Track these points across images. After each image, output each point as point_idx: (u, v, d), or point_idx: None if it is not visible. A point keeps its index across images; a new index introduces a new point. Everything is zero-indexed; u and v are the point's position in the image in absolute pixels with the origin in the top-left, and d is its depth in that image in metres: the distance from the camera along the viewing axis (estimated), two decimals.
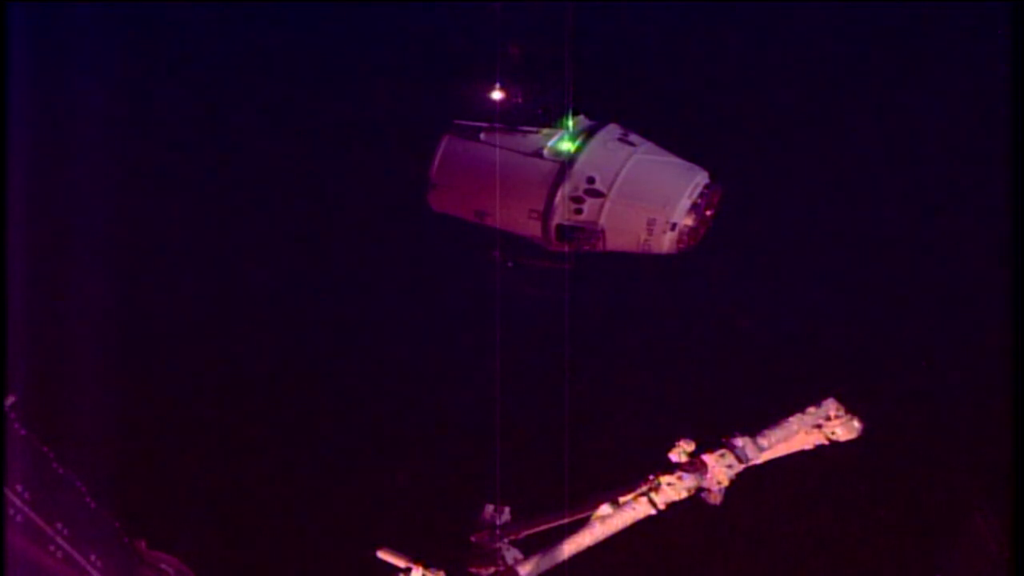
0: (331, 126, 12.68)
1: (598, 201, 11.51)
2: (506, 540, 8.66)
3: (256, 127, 12.52)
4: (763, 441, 8.59)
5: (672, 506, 8.38)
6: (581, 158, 11.60)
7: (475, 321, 12.05)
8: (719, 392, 11.47)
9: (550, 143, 11.71)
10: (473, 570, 8.51)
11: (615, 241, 11.64)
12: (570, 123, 11.73)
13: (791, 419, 8.72)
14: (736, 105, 12.51)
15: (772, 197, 12.40)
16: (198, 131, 12.41)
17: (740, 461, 8.47)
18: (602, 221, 11.54)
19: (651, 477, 8.41)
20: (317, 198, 12.70)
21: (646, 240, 11.53)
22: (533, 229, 11.75)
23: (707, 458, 8.44)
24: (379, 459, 11.59)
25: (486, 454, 10.80)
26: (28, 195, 9.10)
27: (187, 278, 12.25)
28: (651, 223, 11.45)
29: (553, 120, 11.76)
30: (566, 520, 8.48)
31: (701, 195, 11.54)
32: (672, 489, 8.34)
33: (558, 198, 11.55)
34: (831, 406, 8.75)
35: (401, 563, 8.13)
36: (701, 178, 11.61)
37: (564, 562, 8.37)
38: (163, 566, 7.56)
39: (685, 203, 11.48)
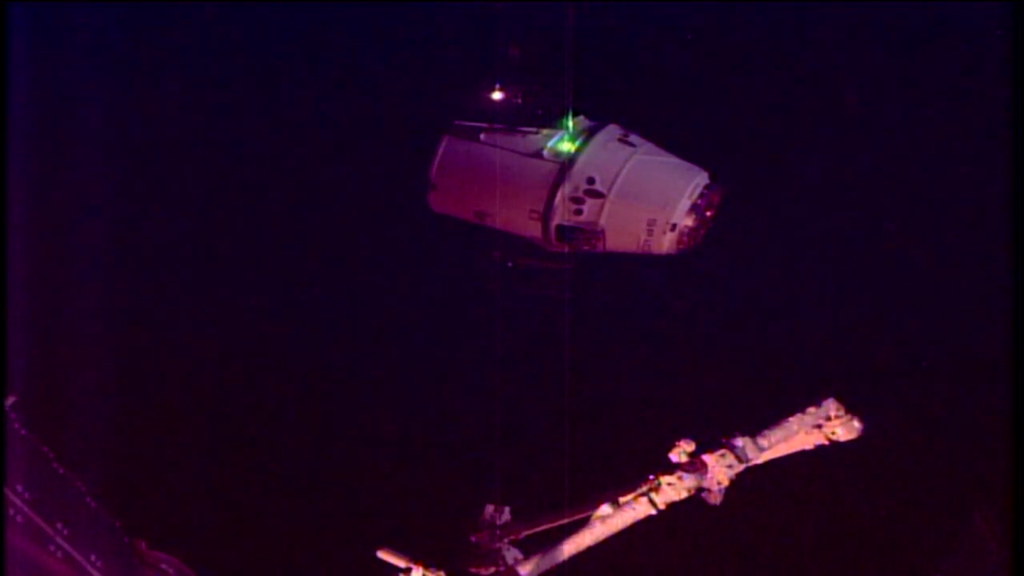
0: (331, 127, 12.68)
1: (598, 202, 11.50)
2: (506, 540, 8.66)
3: (256, 127, 12.52)
4: (763, 441, 8.59)
5: (672, 506, 8.37)
6: (581, 159, 11.60)
7: (475, 321, 12.06)
8: (719, 392, 11.47)
9: (550, 144, 11.71)
10: (473, 570, 8.51)
11: (615, 242, 11.63)
12: (570, 124, 11.73)
13: (791, 419, 8.72)
14: (736, 105, 12.51)
15: (772, 198, 12.40)
16: (198, 131, 12.41)
17: (740, 461, 8.46)
18: (602, 222, 11.54)
19: (651, 477, 8.40)
20: (317, 198, 12.69)
21: (646, 241, 11.53)
22: (533, 230, 11.75)
23: (707, 458, 8.43)
24: (379, 459, 11.59)
25: (486, 454, 10.81)
26: (28, 195, 9.10)
27: (187, 278, 12.25)
28: (651, 223, 11.45)
29: (553, 121, 11.76)
30: (566, 520, 8.48)
31: (701, 195, 11.54)
32: (672, 489, 8.34)
33: (558, 199, 11.55)
34: (831, 406, 8.74)
35: (401, 563, 8.12)
36: (701, 179, 11.61)
37: (564, 562, 8.37)
38: (163, 566, 7.55)
39: (685, 203, 11.48)
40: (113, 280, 11.42)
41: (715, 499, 8.48)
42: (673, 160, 11.77)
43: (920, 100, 12.27)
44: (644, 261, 11.73)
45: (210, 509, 11.01)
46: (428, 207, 12.08)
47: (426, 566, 8.08)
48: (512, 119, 11.86)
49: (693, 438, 8.49)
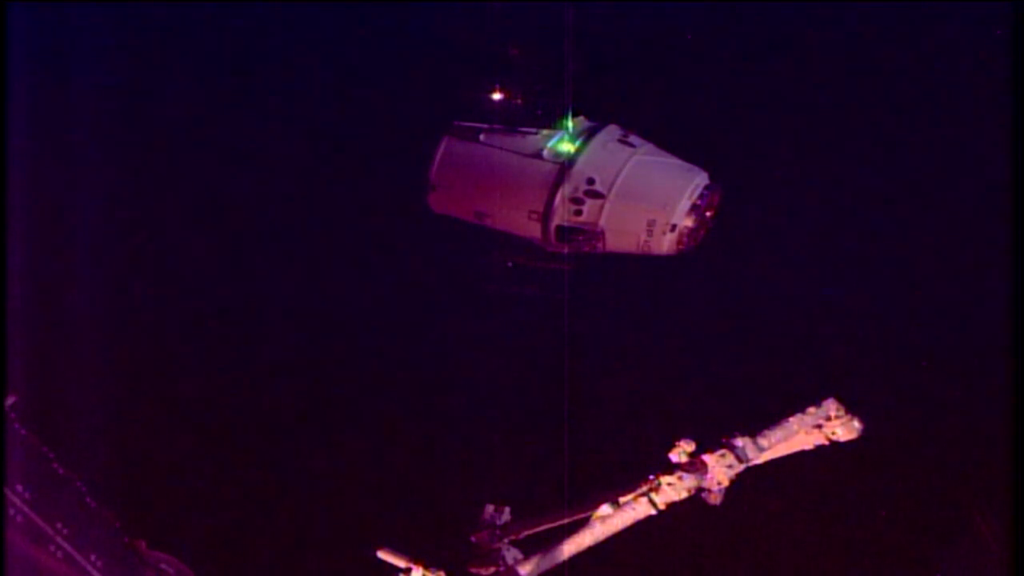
0: (331, 127, 12.68)
1: (598, 202, 11.50)
2: (506, 540, 8.66)
3: (256, 128, 12.52)
4: (763, 441, 8.59)
5: (672, 506, 8.37)
6: (581, 159, 11.60)
7: (475, 322, 12.06)
8: (719, 392, 11.47)
9: (550, 144, 11.71)
10: (473, 570, 8.51)
11: (615, 242, 11.64)
12: (570, 124, 11.73)
13: (791, 419, 8.72)
14: (736, 106, 12.51)
15: (772, 198, 12.40)
16: (198, 131, 12.41)
17: (740, 461, 8.46)
18: (602, 222, 11.54)
19: (651, 477, 8.40)
20: (317, 199, 12.69)
21: (646, 241, 11.53)
22: (533, 230, 11.75)
23: (707, 458, 8.43)
24: (379, 459, 11.59)
25: (486, 454, 10.82)
26: (28, 195, 9.10)
27: (187, 279, 12.25)
28: (651, 224, 11.45)
29: (553, 121, 11.76)
30: (566, 520, 8.48)
31: (701, 196, 11.54)
32: (672, 489, 8.33)
33: (558, 199, 11.55)
34: (831, 406, 8.74)
35: (401, 563, 8.12)
36: (701, 179, 11.61)
37: (564, 562, 8.37)
38: (163, 566, 7.55)
39: (685, 204, 11.48)
40: (113, 280, 11.42)
41: (715, 499, 8.48)
42: (673, 160, 11.77)
43: (920, 100, 12.27)
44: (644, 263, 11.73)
45: (210, 509, 11.00)
46: (428, 207, 12.08)
47: (426, 566, 8.08)
48: (512, 120, 11.86)
49: (693, 438, 8.49)
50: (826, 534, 11.11)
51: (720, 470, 8.40)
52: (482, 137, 11.88)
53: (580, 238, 11.59)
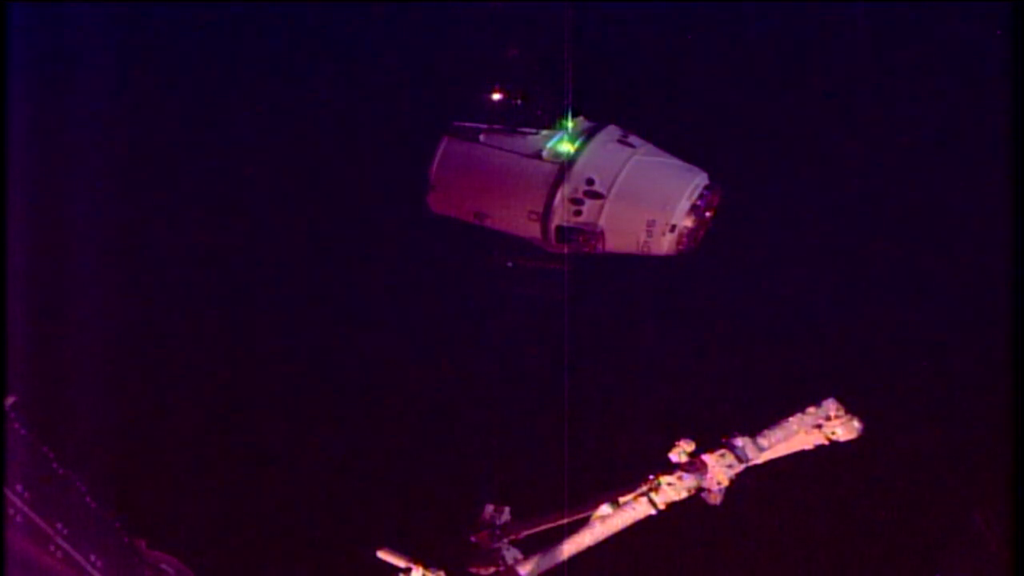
0: (330, 127, 12.68)
1: (597, 203, 11.50)
2: (506, 540, 8.67)
3: (255, 128, 12.52)
4: (763, 441, 8.60)
5: (672, 506, 8.38)
6: (580, 159, 11.59)
7: (475, 322, 12.06)
8: (719, 392, 11.47)
9: (549, 144, 11.70)
10: (473, 570, 8.52)
11: (614, 243, 11.63)
12: (570, 124, 11.72)
13: (791, 419, 8.73)
14: (736, 106, 12.51)
15: (772, 198, 12.39)
16: (198, 131, 12.41)
17: (740, 461, 8.47)
18: (602, 222, 11.53)
19: (651, 477, 8.41)
20: (316, 199, 12.69)
21: (646, 242, 11.52)
22: (533, 231, 11.75)
23: (707, 458, 8.44)
24: (379, 459, 11.58)
25: (486, 454, 10.81)
26: (28, 195, 9.10)
27: (187, 278, 12.25)
28: (651, 224, 11.45)
29: (553, 121, 11.75)
30: (566, 520, 8.49)
31: (701, 196, 11.53)
32: (672, 489, 8.34)
33: (557, 199, 11.54)
34: (831, 406, 8.75)
35: (401, 563, 8.13)
36: (701, 179, 11.61)
37: (564, 562, 8.37)
38: (163, 566, 7.56)
39: (685, 204, 11.48)
40: (114, 279, 11.41)
41: (715, 499, 8.49)
42: (673, 161, 11.76)
43: (920, 100, 12.27)
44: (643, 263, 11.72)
45: (210, 509, 11.00)
46: (427, 208, 12.08)
47: (426, 566, 8.09)
48: (512, 120, 11.85)
49: (693, 438, 8.50)
50: (826, 534, 11.11)
51: (720, 470, 8.41)
52: (482, 137, 11.87)
53: (580, 238, 11.58)
